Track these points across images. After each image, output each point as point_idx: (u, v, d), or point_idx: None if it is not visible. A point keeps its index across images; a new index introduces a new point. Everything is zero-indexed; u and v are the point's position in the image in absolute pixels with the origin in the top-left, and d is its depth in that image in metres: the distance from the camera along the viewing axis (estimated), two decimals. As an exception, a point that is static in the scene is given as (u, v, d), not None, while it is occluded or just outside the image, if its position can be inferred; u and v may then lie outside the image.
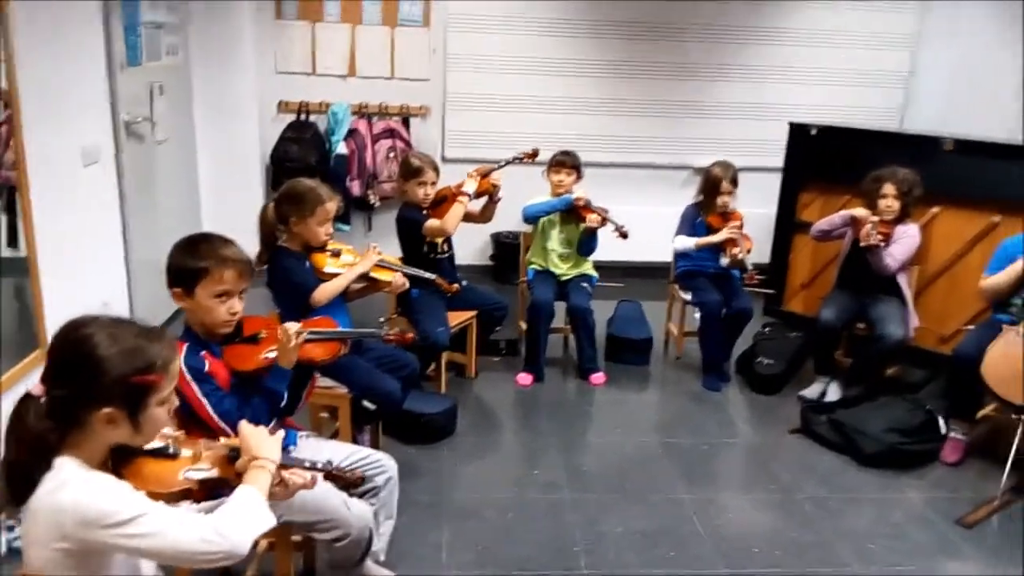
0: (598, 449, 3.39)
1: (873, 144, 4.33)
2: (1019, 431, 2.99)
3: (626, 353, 4.23)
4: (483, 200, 3.84)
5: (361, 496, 2.19)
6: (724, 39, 5.35)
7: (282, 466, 1.58)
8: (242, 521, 1.39)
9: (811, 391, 3.83)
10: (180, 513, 1.37)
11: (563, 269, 4.06)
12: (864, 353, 3.78)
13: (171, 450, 1.50)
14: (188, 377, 1.97)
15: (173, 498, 1.45)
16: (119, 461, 1.45)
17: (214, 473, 1.52)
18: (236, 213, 3.97)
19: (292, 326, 2.17)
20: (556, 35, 5.27)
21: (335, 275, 2.91)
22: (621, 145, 5.47)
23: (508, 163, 3.84)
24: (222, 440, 1.60)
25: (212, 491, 1.53)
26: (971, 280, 3.63)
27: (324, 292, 2.85)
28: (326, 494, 2.04)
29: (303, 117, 5.11)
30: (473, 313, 3.78)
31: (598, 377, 3.98)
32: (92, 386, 1.33)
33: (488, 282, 5.29)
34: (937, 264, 4.08)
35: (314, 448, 2.25)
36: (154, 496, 1.40)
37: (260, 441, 1.54)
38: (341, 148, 5.01)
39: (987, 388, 3.07)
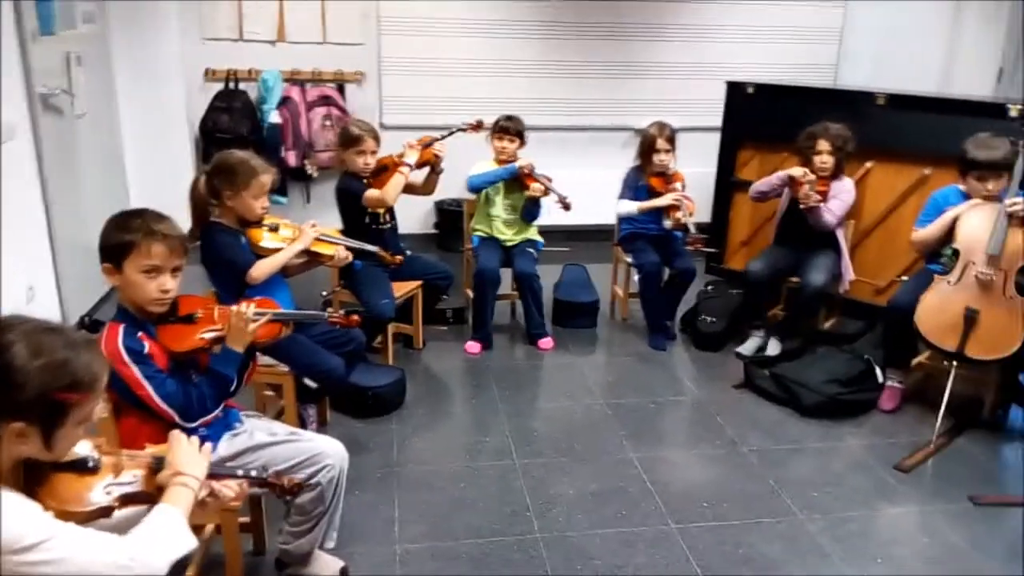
0: (548, 413, 3.41)
1: (808, 101, 4.40)
2: (951, 377, 3.11)
3: (573, 317, 4.25)
4: (425, 171, 3.77)
5: (295, 496, 2.09)
6: (661, -2, 5.34)
7: (212, 476, 1.52)
8: (159, 544, 1.31)
9: (746, 347, 3.91)
10: (91, 536, 1.27)
11: (508, 235, 4.04)
12: (792, 303, 3.86)
13: (91, 463, 1.39)
14: (128, 359, 1.90)
15: (91, 516, 1.36)
16: (32, 476, 1.34)
17: (136, 487, 1.43)
18: (165, 188, 3.81)
19: (248, 306, 2.10)
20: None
21: (273, 250, 2.82)
22: (561, 108, 5.43)
23: (451, 134, 3.77)
24: (147, 449, 1.52)
25: (133, 504, 1.45)
26: (904, 232, 3.73)
27: (262, 269, 2.76)
28: (293, 443, 2.13)
29: (232, 85, 4.93)
30: (418, 283, 3.73)
31: (546, 342, 3.99)
32: (5, 399, 1.22)
33: (433, 250, 5.24)
34: (871, 218, 4.19)
35: (258, 428, 2.21)
36: (69, 515, 1.30)
37: (186, 456, 1.47)
38: (274, 117, 4.85)
39: (921, 337, 3.18)
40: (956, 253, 3.13)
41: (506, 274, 4.00)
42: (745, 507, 2.74)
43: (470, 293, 4.09)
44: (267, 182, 2.77)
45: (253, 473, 1.64)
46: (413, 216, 5.34)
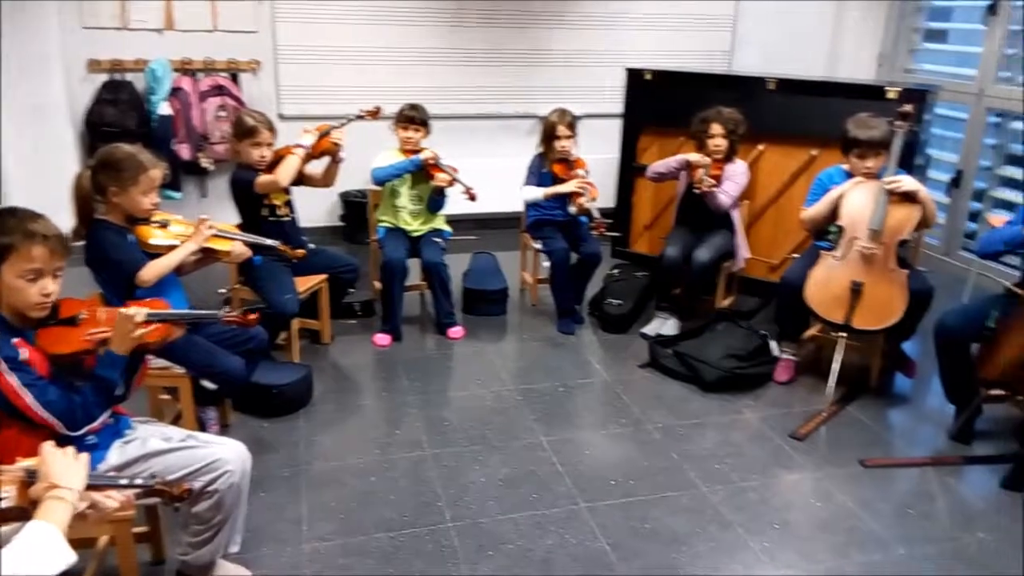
0: (459, 402, 3.41)
1: (704, 86, 4.53)
2: (839, 348, 3.28)
3: (483, 304, 4.26)
4: (325, 161, 3.69)
5: (191, 504, 2.04)
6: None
7: (93, 487, 1.45)
8: (31, 562, 1.24)
9: (651, 328, 4.00)
10: None
11: (414, 226, 4.00)
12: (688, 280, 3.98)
13: None
14: (3, 367, 1.79)
15: None
16: None
17: (7, 504, 1.36)
18: (48, 186, 3.59)
19: (134, 309, 2.01)
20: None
21: (164, 248, 2.70)
22: (465, 96, 5.41)
23: (349, 121, 3.70)
24: (18, 462, 1.43)
25: (5, 521, 1.37)
26: (796, 211, 3.87)
27: (153, 269, 2.64)
28: (189, 450, 2.04)
29: (117, 76, 4.69)
30: (323, 277, 3.66)
31: (456, 331, 3.98)
32: None
33: (339, 243, 5.16)
34: (764, 198, 4.36)
35: (151, 434, 2.12)
36: None
37: (61, 467, 1.40)
38: (164, 108, 4.65)
39: (811, 310, 3.33)
40: (841, 230, 3.29)
41: (415, 265, 3.97)
42: (651, 482, 2.82)
43: (378, 285, 4.04)
44: (156, 177, 2.66)
45: (139, 481, 1.57)
46: (319, 209, 5.24)
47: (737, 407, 3.37)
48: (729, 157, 3.92)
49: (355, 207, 5.16)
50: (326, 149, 3.60)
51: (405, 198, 3.97)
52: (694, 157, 3.83)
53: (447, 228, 4.10)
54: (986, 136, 5.00)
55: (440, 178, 3.82)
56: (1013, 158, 4.92)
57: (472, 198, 3.84)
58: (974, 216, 5.15)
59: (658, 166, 4.02)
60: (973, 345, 3.03)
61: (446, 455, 2.96)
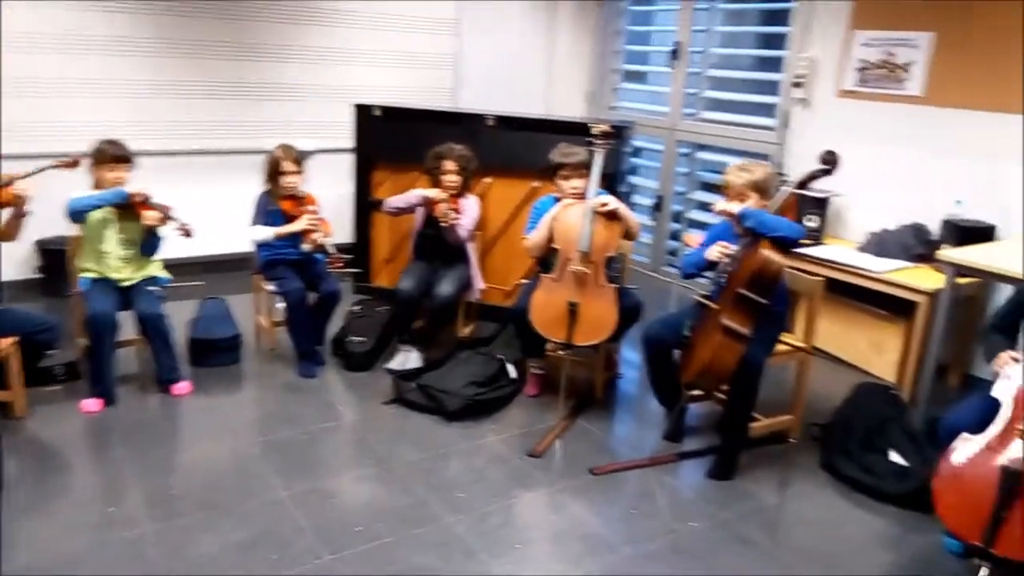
0: (187, 466, 3.12)
1: (430, 122, 4.65)
2: (565, 364, 3.50)
3: (213, 354, 3.96)
4: (5, 214, 3.21)
5: None
6: (282, 19, 5.21)
7: None
8: None
9: (395, 362, 3.99)
10: None
11: (125, 274, 3.62)
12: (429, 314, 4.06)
13: None
14: None
15: None
16: None
17: None
18: None
19: None
20: (101, 10, 4.62)
21: None
22: (185, 131, 5.05)
23: (40, 171, 3.26)
24: None
25: None
26: (522, 240, 4.11)
27: None
28: None
29: None
30: (10, 341, 3.17)
31: (181, 387, 3.66)
32: None
33: (37, 298, 4.54)
34: (494, 229, 4.57)
35: None
36: None
37: None
38: None
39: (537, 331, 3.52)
40: (557, 252, 3.53)
41: (128, 318, 3.58)
42: (397, 522, 2.78)
43: (84, 343, 3.59)
44: None
45: None
46: (9, 260, 4.56)
47: (481, 432, 3.46)
48: (462, 192, 4.06)
49: (55, 256, 4.55)
50: (6, 201, 3.14)
51: (112, 243, 3.58)
52: (432, 193, 3.92)
53: (164, 275, 3.76)
54: (679, 165, 5.69)
55: (148, 216, 3.50)
56: (704, 184, 5.65)
57: (187, 234, 3.55)
58: (675, 236, 5.83)
59: (396, 201, 4.05)
60: (677, 351, 3.38)
61: (171, 528, 2.68)
